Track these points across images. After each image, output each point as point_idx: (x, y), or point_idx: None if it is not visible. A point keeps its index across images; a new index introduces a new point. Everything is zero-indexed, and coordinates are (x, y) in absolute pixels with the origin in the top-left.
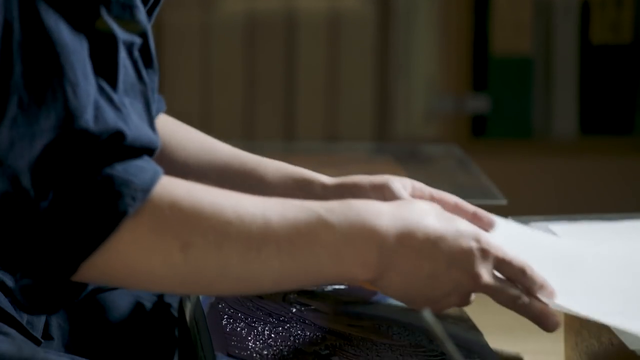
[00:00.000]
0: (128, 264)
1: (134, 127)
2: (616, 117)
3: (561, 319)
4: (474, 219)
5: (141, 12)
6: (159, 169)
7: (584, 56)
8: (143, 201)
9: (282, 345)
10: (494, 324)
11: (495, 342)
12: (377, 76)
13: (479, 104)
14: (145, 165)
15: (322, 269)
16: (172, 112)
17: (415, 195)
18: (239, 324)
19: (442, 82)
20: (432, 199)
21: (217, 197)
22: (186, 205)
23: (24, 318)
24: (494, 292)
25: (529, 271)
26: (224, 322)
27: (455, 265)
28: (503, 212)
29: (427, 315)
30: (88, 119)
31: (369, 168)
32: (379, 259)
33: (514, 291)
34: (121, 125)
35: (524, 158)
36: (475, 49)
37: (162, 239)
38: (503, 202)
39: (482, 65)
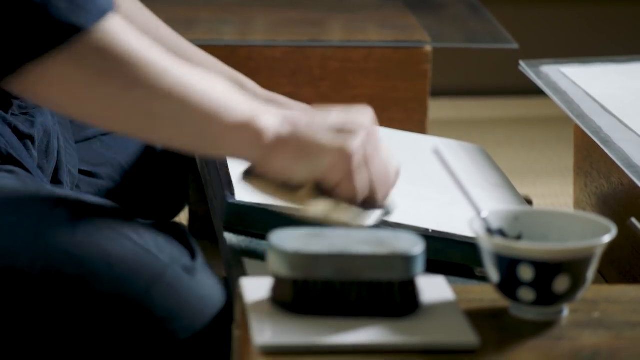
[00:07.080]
0: (61, 80)
1: None
2: None
3: (571, 163)
4: None
5: None
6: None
7: None
8: (101, 20)
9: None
10: (503, 168)
11: None
12: None
13: None
14: None
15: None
16: None
17: None
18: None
19: None
20: None
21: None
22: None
23: (35, 162)
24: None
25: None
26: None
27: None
28: (515, 56)
29: (437, 152)
30: None
31: (379, 14)
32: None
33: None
34: None
35: (535, 6)
36: None
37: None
38: (514, 46)
39: None
